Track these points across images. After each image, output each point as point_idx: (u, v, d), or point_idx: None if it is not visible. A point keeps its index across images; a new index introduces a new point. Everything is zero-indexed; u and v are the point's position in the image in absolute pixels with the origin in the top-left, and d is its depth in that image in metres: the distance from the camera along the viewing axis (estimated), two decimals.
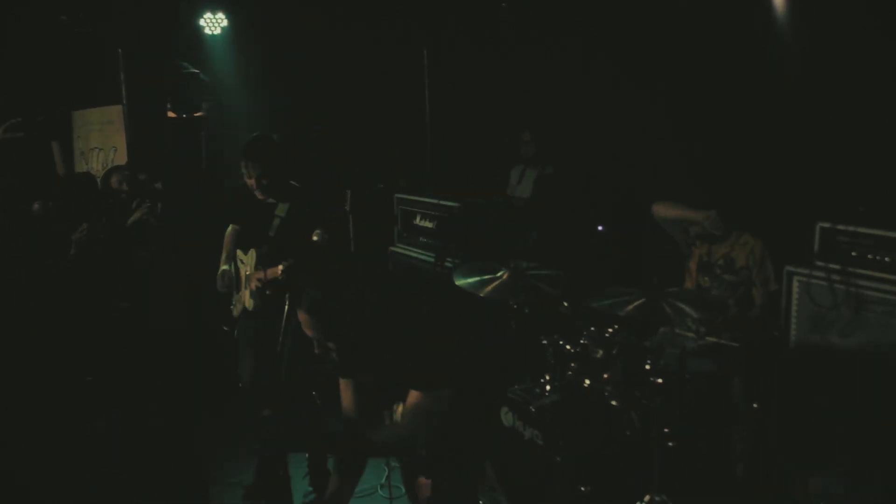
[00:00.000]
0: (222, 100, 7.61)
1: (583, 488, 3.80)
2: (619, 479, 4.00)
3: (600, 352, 4.23)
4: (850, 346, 3.70)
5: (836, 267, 3.76)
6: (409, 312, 2.76)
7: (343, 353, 2.60)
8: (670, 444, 3.84)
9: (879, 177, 4.42)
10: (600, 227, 6.16)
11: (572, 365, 4.30)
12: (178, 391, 5.68)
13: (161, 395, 5.53)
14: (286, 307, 2.66)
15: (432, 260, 5.74)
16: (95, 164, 8.06)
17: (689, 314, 3.77)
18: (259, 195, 4.31)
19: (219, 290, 4.62)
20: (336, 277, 2.58)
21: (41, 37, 7.32)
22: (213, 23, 7.28)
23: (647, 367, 3.99)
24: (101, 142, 8.09)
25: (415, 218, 6.30)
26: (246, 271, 4.44)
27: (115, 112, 7.76)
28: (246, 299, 4.45)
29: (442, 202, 6.08)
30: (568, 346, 4.33)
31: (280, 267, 3.93)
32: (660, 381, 3.88)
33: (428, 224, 6.16)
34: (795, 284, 3.94)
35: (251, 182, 4.28)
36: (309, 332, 2.59)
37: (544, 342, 4.40)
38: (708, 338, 4.26)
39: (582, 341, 4.31)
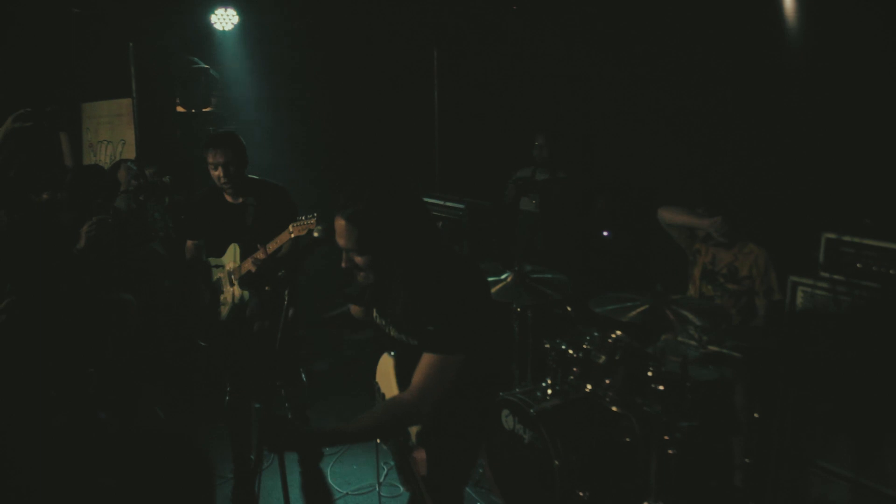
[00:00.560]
0: (231, 96, 7.63)
1: (581, 493, 3.80)
2: (618, 485, 4.01)
3: (603, 357, 4.23)
4: (853, 356, 3.70)
5: (841, 278, 3.75)
6: (445, 264, 2.66)
7: (371, 268, 2.55)
8: (670, 451, 3.84)
9: (886, 188, 4.42)
10: (606, 233, 6.17)
11: (574, 369, 4.31)
12: (182, 384, 5.71)
13: (165, 388, 5.56)
14: (285, 303, 2.63)
15: None
16: (103, 157, 8.09)
17: (692, 321, 3.77)
18: (226, 185, 4.26)
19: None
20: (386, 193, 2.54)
21: (52, 28, 7.34)
22: (225, 19, 7.29)
23: (649, 373, 3.99)
24: (110, 134, 8.12)
25: None
26: (229, 268, 4.43)
27: (124, 105, 7.79)
28: (235, 295, 4.42)
29: (448, 203, 6.09)
30: (570, 351, 4.34)
31: (290, 227, 4.00)
32: (661, 388, 3.88)
33: None
34: (799, 295, 3.94)
35: (217, 173, 4.24)
36: (341, 242, 2.53)
37: (547, 346, 4.42)
38: (710, 346, 4.26)
39: (584, 346, 4.31)
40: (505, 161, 6.56)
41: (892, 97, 4.52)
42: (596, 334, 4.34)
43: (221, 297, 4.51)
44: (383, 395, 2.87)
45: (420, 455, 2.70)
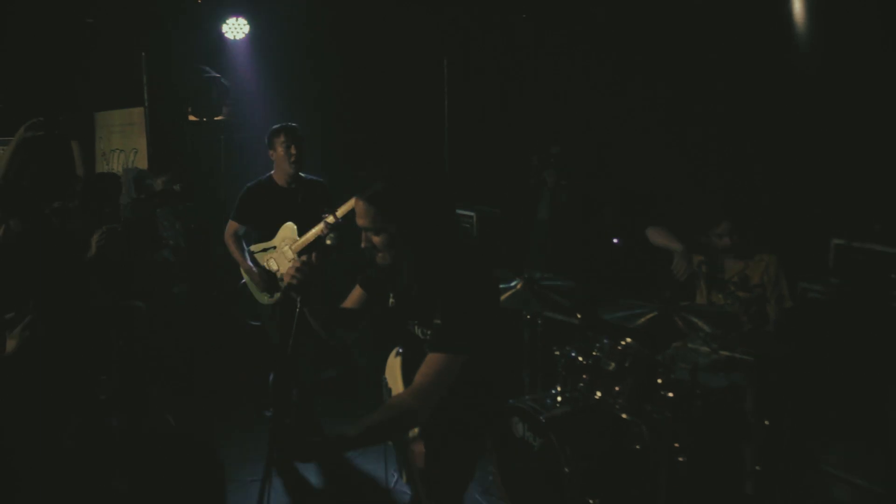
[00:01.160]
0: (242, 105, 7.67)
1: (591, 501, 3.79)
2: (628, 493, 3.99)
3: (612, 364, 4.21)
4: (864, 362, 3.68)
5: (851, 283, 3.74)
6: (458, 257, 2.67)
7: (388, 250, 2.58)
8: (680, 458, 3.82)
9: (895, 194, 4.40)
10: (616, 240, 6.16)
11: (584, 376, 4.29)
12: (193, 390, 5.73)
13: (175, 394, 5.58)
14: (297, 307, 2.64)
15: None
16: (116, 166, 8.14)
17: (702, 328, 3.76)
18: (296, 164, 4.95)
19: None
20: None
21: (65, 38, 7.40)
22: (236, 28, 7.33)
23: (659, 381, 3.98)
24: (123, 143, 8.17)
25: None
26: (284, 240, 4.98)
27: (136, 114, 7.84)
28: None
29: (457, 211, 6.08)
30: (580, 358, 4.32)
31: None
32: (671, 395, 3.86)
33: None
34: (809, 300, 3.92)
35: (292, 154, 4.93)
36: (360, 222, 2.58)
37: (556, 353, 4.40)
38: (721, 351, 4.25)
39: (594, 353, 4.30)
40: (514, 169, 6.57)
41: None
42: (606, 341, 4.32)
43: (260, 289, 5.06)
44: (390, 390, 2.87)
45: (419, 448, 2.70)
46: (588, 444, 3.88)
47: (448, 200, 2.67)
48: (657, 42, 5.85)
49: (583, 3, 6.45)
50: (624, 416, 4.06)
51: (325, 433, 4.74)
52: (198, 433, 5.30)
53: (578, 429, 3.96)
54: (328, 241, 2.72)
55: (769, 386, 4.28)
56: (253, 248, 5.10)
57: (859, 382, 3.69)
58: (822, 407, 3.84)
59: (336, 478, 4.82)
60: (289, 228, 4.98)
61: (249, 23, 7.34)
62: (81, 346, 4.50)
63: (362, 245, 2.63)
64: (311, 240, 4.86)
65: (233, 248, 5.09)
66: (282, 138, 4.95)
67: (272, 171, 5.09)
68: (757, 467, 4.17)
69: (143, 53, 7.29)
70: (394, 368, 2.85)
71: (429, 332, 2.64)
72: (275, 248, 5.01)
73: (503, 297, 4.44)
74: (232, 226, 5.12)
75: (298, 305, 2.62)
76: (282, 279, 4.89)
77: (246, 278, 5.14)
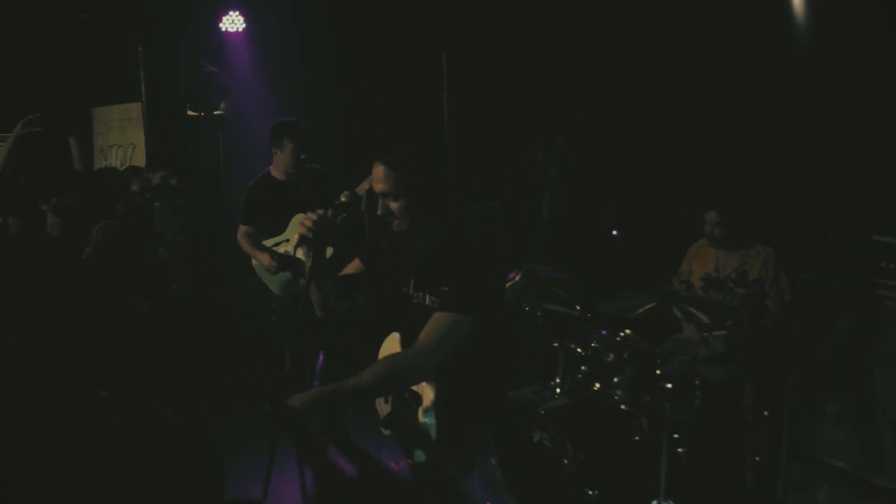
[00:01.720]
0: (240, 99, 7.66)
1: (590, 492, 3.79)
2: (627, 484, 3.99)
3: (611, 356, 4.21)
4: (863, 354, 3.67)
5: (850, 275, 3.73)
6: (468, 230, 2.82)
7: (405, 216, 2.65)
8: (679, 450, 3.82)
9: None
10: (615, 233, 6.15)
11: (583, 368, 4.29)
12: (193, 386, 5.73)
13: (175, 391, 5.58)
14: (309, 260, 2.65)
15: None
16: (114, 161, 8.14)
17: (701, 319, 3.76)
18: (294, 170, 4.85)
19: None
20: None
21: (63, 34, 7.39)
22: (233, 22, 7.33)
23: (658, 372, 3.98)
24: (121, 139, 8.17)
25: None
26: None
27: (134, 109, 7.84)
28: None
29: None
30: (579, 350, 4.32)
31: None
32: (670, 386, 3.87)
33: None
34: (808, 293, 3.91)
35: (301, 160, 4.85)
36: (379, 187, 2.65)
37: (555, 345, 4.40)
38: (719, 345, 4.25)
39: (593, 345, 4.30)
40: (514, 164, 6.56)
41: None
42: (604, 333, 4.32)
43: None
44: None
45: (429, 420, 2.71)
46: (587, 436, 3.89)
47: (461, 173, 2.77)
48: (656, 33, 5.84)
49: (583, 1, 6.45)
50: (623, 407, 4.07)
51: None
52: (198, 430, 5.30)
53: (577, 420, 3.96)
54: (343, 198, 2.72)
55: (768, 378, 4.29)
56: (266, 242, 5.02)
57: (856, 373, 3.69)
58: (827, 398, 3.83)
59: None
60: (300, 219, 4.90)
61: (246, 18, 7.33)
62: (81, 343, 4.50)
63: (378, 212, 2.68)
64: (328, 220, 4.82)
65: (246, 246, 5.01)
66: (292, 143, 4.86)
67: (270, 167, 5.01)
68: (756, 458, 4.18)
69: (141, 49, 7.29)
70: (392, 347, 2.85)
71: (436, 300, 2.66)
72: (287, 240, 4.95)
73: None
74: (241, 229, 5.05)
75: (310, 259, 2.62)
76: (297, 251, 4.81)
77: (259, 272, 5.04)
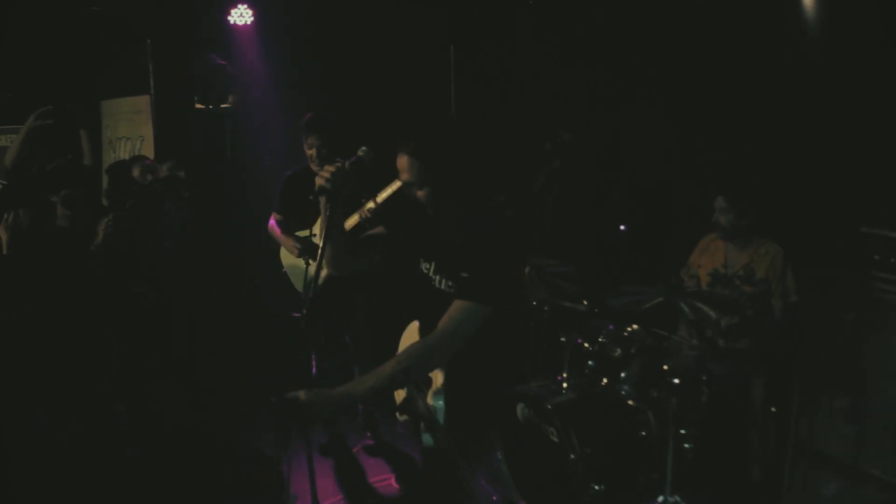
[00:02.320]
0: (248, 92, 7.66)
1: (597, 487, 3.80)
2: (634, 479, 4.00)
3: (618, 351, 4.22)
4: (871, 350, 3.67)
5: (860, 271, 3.73)
6: (492, 217, 2.80)
7: (430, 204, 2.66)
8: (686, 445, 3.83)
9: None
10: (622, 227, 6.15)
11: (590, 363, 4.30)
12: (199, 379, 5.74)
13: (181, 383, 5.59)
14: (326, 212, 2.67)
15: None
16: (123, 154, 8.15)
17: (708, 315, 3.77)
18: (316, 167, 4.65)
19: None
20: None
21: (72, 26, 7.40)
22: (241, 15, 7.33)
23: (665, 367, 3.99)
24: (129, 131, 8.19)
25: None
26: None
27: (143, 102, 7.85)
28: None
29: None
30: (586, 345, 4.33)
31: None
32: (677, 381, 3.87)
33: None
34: (814, 289, 3.91)
35: (311, 153, 4.72)
36: (404, 177, 2.67)
37: (562, 340, 4.41)
38: (726, 342, 4.27)
39: (600, 340, 4.30)
40: (522, 157, 6.55)
41: None
42: (611, 328, 4.33)
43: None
44: None
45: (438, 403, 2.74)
46: (593, 431, 3.89)
47: (485, 157, 2.76)
48: (666, 24, 5.82)
49: None
50: (630, 402, 4.08)
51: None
52: (206, 421, 5.33)
53: (584, 415, 3.96)
54: (360, 153, 2.73)
55: (775, 374, 4.29)
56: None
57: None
58: (834, 395, 3.84)
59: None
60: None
61: (254, 11, 7.34)
62: (86, 334, 4.53)
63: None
64: (352, 227, 4.75)
65: (276, 233, 5.01)
66: (305, 138, 4.81)
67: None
68: (763, 454, 4.19)
69: (149, 41, 7.29)
70: (412, 335, 2.91)
71: (454, 285, 2.70)
72: (315, 235, 4.90)
73: None
74: (273, 217, 5.06)
75: (327, 210, 2.64)
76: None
77: (286, 263, 5.03)
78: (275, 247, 5.13)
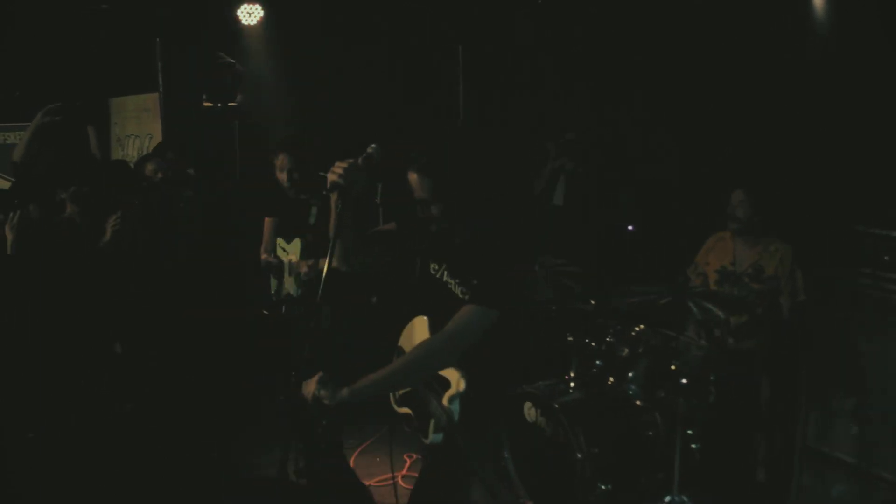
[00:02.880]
0: (256, 91, 7.67)
1: (603, 486, 3.80)
2: (640, 479, 4.00)
3: (626, 350, 4.22)
4: (878, 351, 3.66)
5: (867, 271, 3.71)
6: (506, 222, 2.79)
7: (444, 218, 2.65)
8: (693, 445, 3.82)
9: None
10: (630, 227, 6.13)
11: (597, 363, 4.29)
12: (209, 378, 5.74)
13: (191, 382, 5.60)
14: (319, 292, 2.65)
15: None
16: (131, 151, 8.17)
17: (717, 314, 3.76)
18: (289, 189, 4.39)
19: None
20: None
21: (81, 23, 7.42)
22: (250, 13, 7.34)
23: (673, 367, 3.98)
24: (138, 129, 8.21)
25: None
26: (291, 258, 4.53)
27: (151, 100, 7.87)
28: (290, 285, 4.50)
29: None
30: (593, 344, 4.32)
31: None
32: (684, 381, 3.86)
33: None
34: (823, 288, 3.89)
35: (282, 176, 4.39)
36: (416, 194, 2.65)
37: (570, 339, 4.40)
38: (734, 341, 4.25)
39: (608, 339, 4.30)
40: (530, 154, 6.54)
41: None
42: (619, 327, 4.33)
43: (275, 283, 4.64)
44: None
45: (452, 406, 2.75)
46: (601, 430, 3.89)
47: (493, 165, 2.74)
48: (674, 22, 5.80)
49: None
50: (637, 402, 4.07)
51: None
52: (209, 420, 5.33)
53: (591, 415, 3.96)
54: (369, 150, 2.72)
55: (782, 374, 4.28)
56: (279, 241, 4.76)
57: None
58: (836, 394, 3.82)
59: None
60: (296, 245, 4.59)
61: (264, 8, 7.34)
62: (91, 332, 4.54)
63: (420, 216, 2.70)
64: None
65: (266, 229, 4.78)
66: (275, 158, 4.44)
67: None
68: (770, 455, 4.18)
69: (158, 39, 7.31)
70: (420, 332, 2.90)
71: (466, 290, 2.71)
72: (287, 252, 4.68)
73: None
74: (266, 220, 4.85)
75: (338, 206, 2.64)
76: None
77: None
78: None
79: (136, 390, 4.92)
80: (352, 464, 4.81)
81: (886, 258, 3.65)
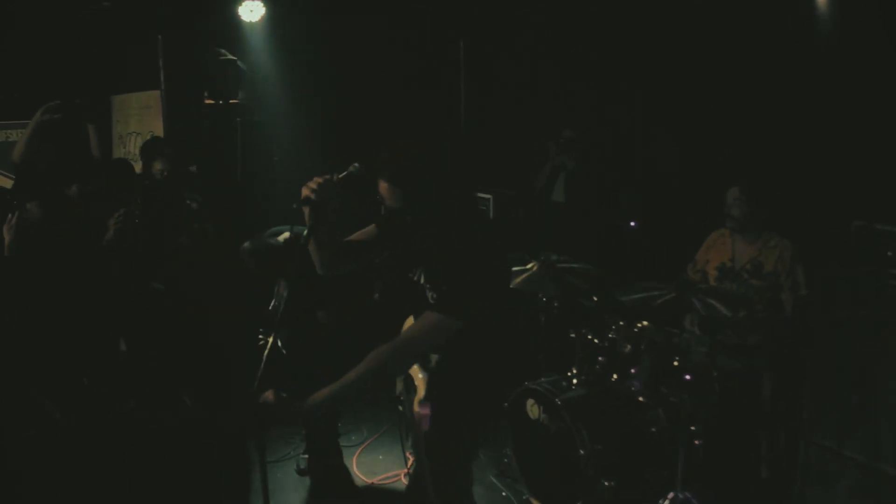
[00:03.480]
0: (259, 87, 7.67)
1: (606, 483, 3.79)
2: (644, 476, 3.99)
3: (628, 347, 4.21)
4: (883, 346, 3.64)
5: (871, 267, 3.69)
6: (478, 231, 2.77)
7: (417, 225, 2.64)
8: (696, 441, 3.81)
9: None
10: (633, 223, 6.13)
11: (600, 359, 4.28)
12: (213, 375, 5.74)
13: (194, 379, 5.60)
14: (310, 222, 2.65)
15: None
16: (133, 149, 8.16)
17: (720, 310, 3.74)
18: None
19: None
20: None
21: (82, 21, 7.41)
22: (252, 10, 7.33)
23: (676, 363, 3.97)
24: (139, 126, 8.19)
25: None
26: None
27: (153, 97, 7.86)
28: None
29: (476, 194, 6.06)
30: (596, 340, 4.32)
31: None
32: (688, 377, 3.85)
33: None
34: (826, 284, 3.88)
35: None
36: (389, 203, 2.62)
37: (572, 335, 4.39)
38: (736, 337, 4.23)
39: (610, 336, 4.29)
40: (531, 151, 6.54)
41: None
42: (622, 324, 4.32)
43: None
44: None
45: (424, 411, 2.73)
46: (604, 427, 3.88)
47: (465, 173, 2.71)
48: (674, 20, 5.79)
49: None
50: (640, 398, 4.06)
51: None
52: (216, 416, 5.32)
53: (594, 411, 3.95)
54: (351, 169, 2.70)
55: (786, 370, 4.26)
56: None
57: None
58: (840, 390, 3.81)
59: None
60: None
61: (265, 5, 7.32)
62: (95, 330, 4.54)
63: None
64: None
65: None
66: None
67: None
68: (773, 451, 4.16)
69: (160, 36, 7.29)
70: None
71: (434, 297, 2.72)
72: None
73: (520, 280, 4.43)
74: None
75: (311, 220, 2.62)
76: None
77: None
78: None
79: (138, 388, 4.92)
80: (354, 462, 4.80)
81: (889, 253, 3.64)
